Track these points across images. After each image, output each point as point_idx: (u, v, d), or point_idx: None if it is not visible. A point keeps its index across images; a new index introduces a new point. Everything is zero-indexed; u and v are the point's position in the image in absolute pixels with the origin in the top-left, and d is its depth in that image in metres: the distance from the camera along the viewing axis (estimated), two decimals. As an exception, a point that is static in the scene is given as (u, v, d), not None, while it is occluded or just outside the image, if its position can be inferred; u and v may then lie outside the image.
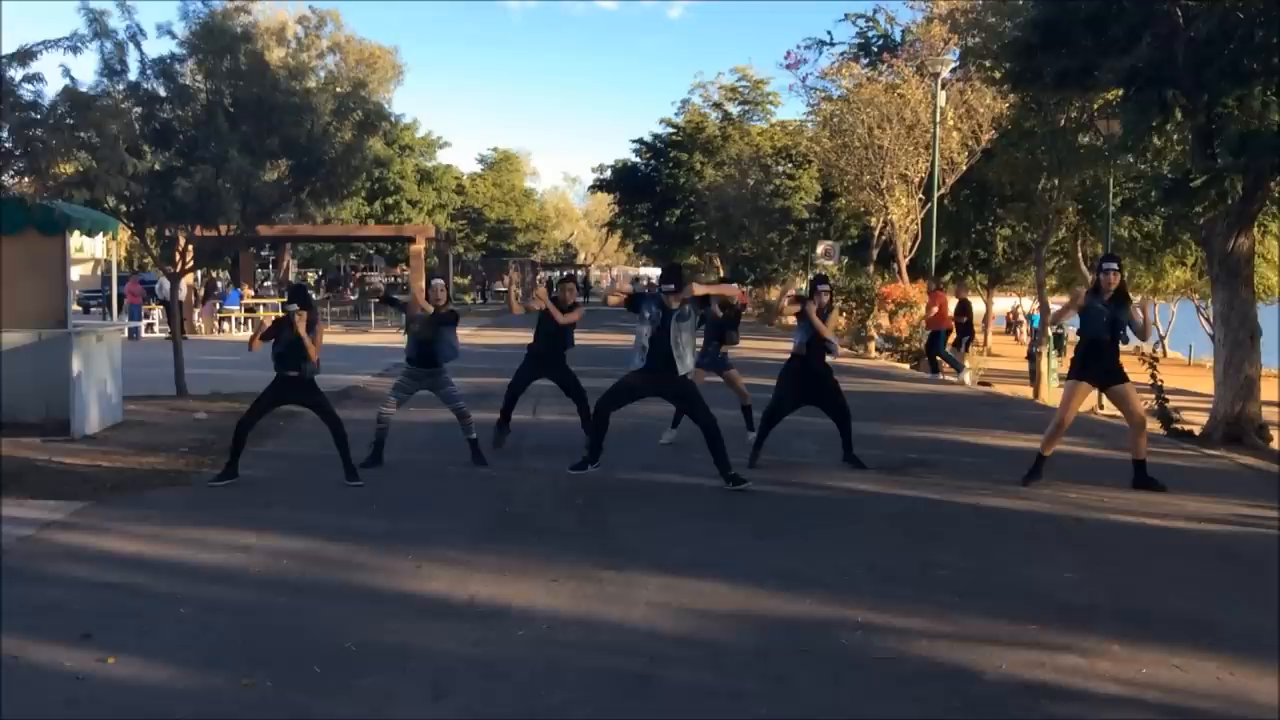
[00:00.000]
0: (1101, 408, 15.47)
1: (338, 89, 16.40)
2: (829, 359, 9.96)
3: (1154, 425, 14.12)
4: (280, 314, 9.16)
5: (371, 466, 9.45)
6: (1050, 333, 21.91)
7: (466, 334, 30.41)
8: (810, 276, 12.86)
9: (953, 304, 21.64)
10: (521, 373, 10.67)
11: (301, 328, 8.75)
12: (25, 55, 11.03)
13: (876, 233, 33.65)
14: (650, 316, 8.76)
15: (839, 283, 30.00)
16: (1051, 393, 19.15)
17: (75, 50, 11.92)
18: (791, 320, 10.48)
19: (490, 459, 10.00)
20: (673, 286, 8.75)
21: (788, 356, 10.08)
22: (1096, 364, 9.06)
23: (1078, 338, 9.34)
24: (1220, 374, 13.38)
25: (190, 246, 16.50)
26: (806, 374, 9.87)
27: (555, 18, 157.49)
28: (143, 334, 28.08)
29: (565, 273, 13.38)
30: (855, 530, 7.69)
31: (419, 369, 9.73)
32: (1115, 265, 9.12)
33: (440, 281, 10.03)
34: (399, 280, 49.79)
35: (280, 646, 5.16)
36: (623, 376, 9.04)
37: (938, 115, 27.10)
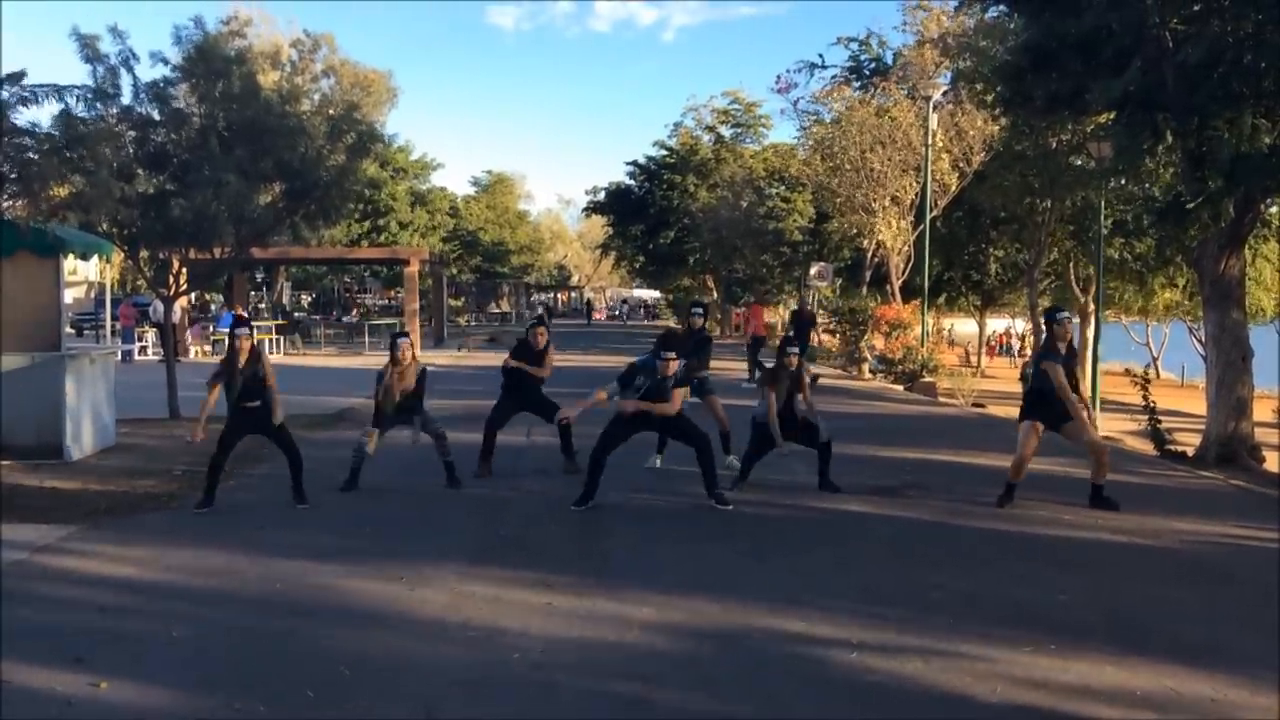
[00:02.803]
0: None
1: (331, 112, 16.44)
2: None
3: (1147, 447, 14.17)
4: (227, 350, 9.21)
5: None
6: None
7: (458, 355, 30.41)
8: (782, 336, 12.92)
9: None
10: (500, 409, 10.70)
11: (247, 348, 8.91)
12: (18, 78, 11.07)
13: (869, 254, 33.75)
14: (640, 383, 8.90)
15: (833, 304, 30.04)
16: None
17: (80, 100, 12.08)
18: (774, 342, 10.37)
19: (485, 481, 10.03)
20: (672, 354, 8.89)
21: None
22: (1046, 409, 9.15)
23: (1024, 383, 9.47)
24: (1213, 395, 13.42)
25: (184, 269, 16.51)
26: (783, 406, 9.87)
27: (549, 42, 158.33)
28: (136, 357, 28.04)
29: (535, 316, 13.21)
30: (848, 551, 7.68)
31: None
32: (1065, 314, 9.38)
33: (405, 340, 10.00)
34: (392, 303, 49.80)
35: (273, 669, 5.14)
36: (611, 422, 9.06)
37: (929, 138, 27.25)
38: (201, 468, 9.39)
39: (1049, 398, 9.09)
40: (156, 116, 14.34)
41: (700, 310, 11.81)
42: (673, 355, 8.90)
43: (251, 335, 9.22)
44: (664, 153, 52.50)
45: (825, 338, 35.35)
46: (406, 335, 10.26)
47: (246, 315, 9.89)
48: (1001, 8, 16.33)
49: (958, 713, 4.73)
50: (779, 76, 37.20)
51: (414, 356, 9.91)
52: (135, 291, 42.32)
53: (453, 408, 14.80)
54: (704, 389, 10.97)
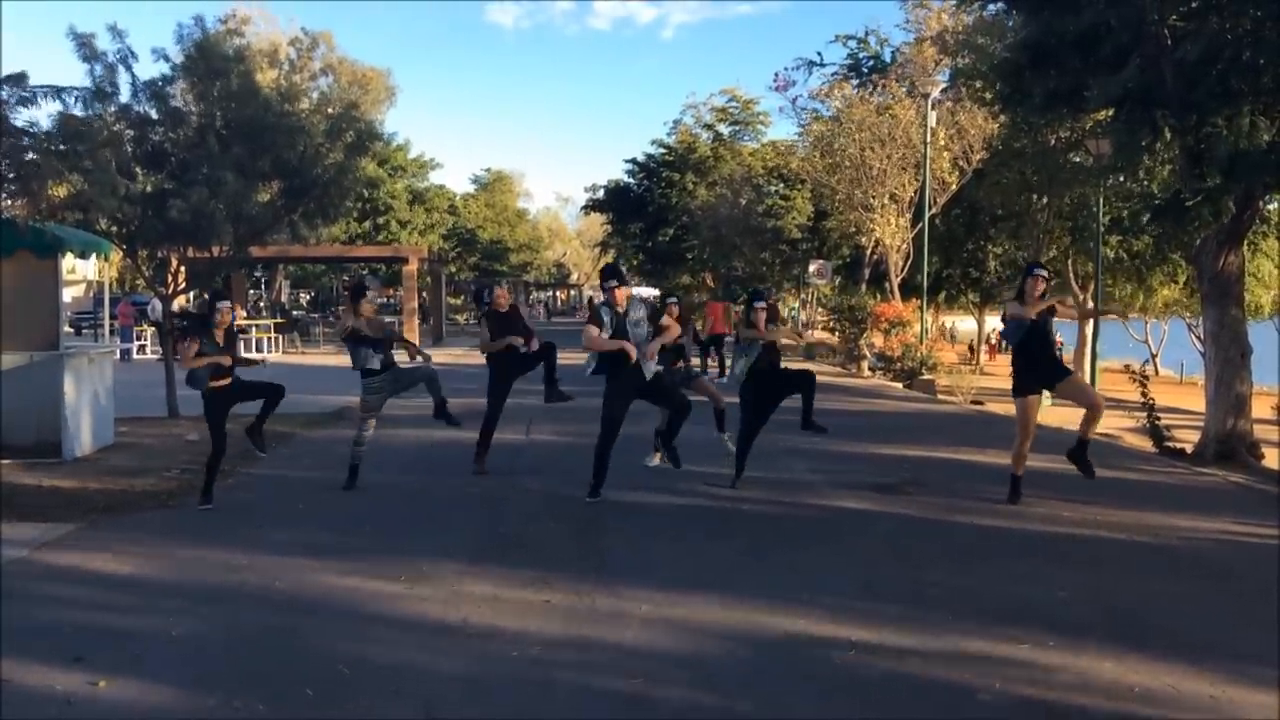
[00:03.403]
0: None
1: (330, 110, 16.44)
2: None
3: (1146, 443, 14.17)
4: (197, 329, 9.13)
5: (349, 489, 9.53)
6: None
7: (458, 354, 30.36)
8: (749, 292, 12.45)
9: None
10: (495, 394, 10.47)
11: (227, 321, 8.86)
12: (19, 79, 11.07)
13: (868, 252, 33.76)
14: (609, 322, 8.73)
15: (831, 302, 30.00)
16: (1044, 411, 19.17)
17: (78, 100, 12.07)
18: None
19: (483, 479, 10.04)
20: (615, 282, 8.78)
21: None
22: (1037, 371, 9.08)
23: (1013, 355, 9.38)
24: (1212, 392, 13.41)
25: (183, 268, 16.49)
26: (760, 386, 9.82)
27: (548, 40, 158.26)
28: (134, 355, 28.03)
29: (490, 282, 12.52)
30: (848, 549, 7.68)
31: (379, 377, 9.63)
32: (1044, 272, 9.21)
33: (371, 293, 9.97)
34: (391, 301, 49.79)
35: (272, 668, 5.14)
36: (604, 412, 8.91)
37: (928, 135, 27.25)
38: (203, 465, 9.40)
39: (1035, 355, 9.01)
40: (154, 115, 14.34)
41: (674, 299, 11.89)
42: (615, 283, 8.77)
43: (233, 311, 9.11)
44: (663, 150, 52.47)
45: (824, 335, 35.34)
46: (365, 289, 10.07)
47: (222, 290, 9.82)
48: (1000, 5, 16.32)
49: (957, 709, 4.73)
50: (777, 74, 37.15)
51: (375, 312, 9.87)
52: (134, 290, 42.29)
53: (450, 406, 14.79)
54: (689, 377, 10.90)
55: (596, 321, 8.79)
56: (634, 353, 8.61)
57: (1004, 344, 26.30)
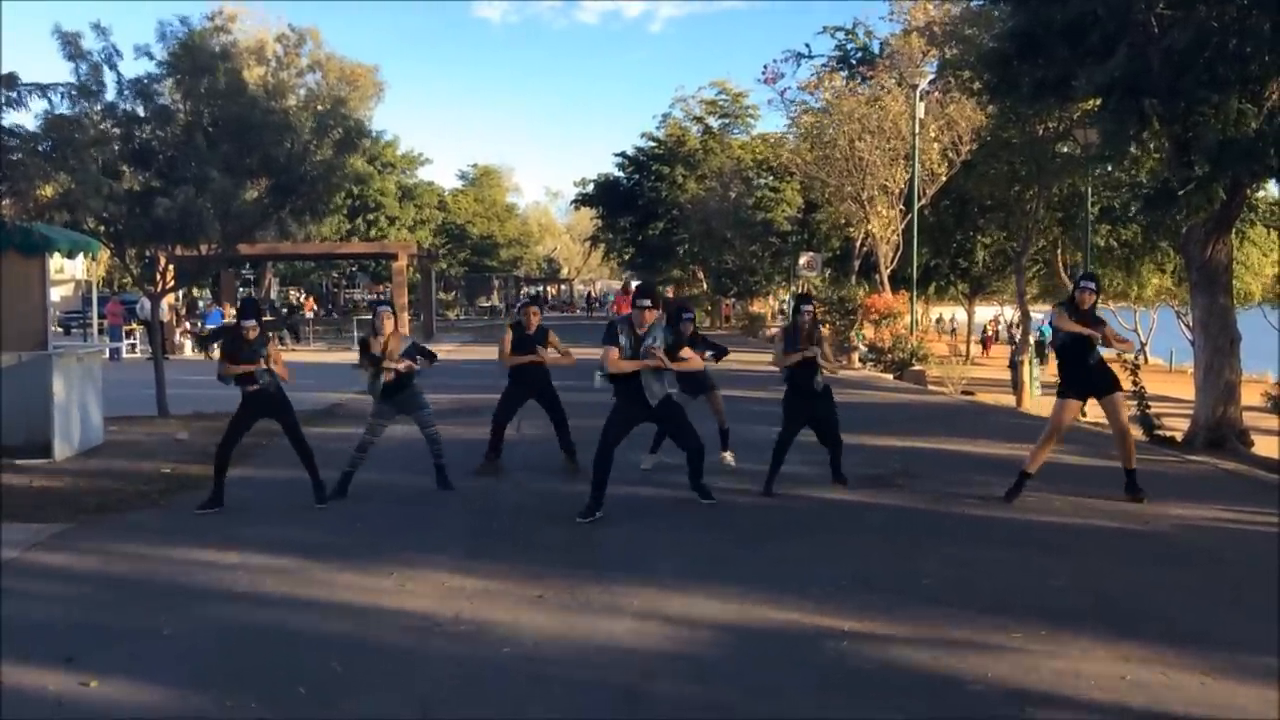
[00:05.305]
0: (1084, 415, 15.46)
1: (319, 107, 16.39)
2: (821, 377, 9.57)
3: (1136, 432, 14.19)
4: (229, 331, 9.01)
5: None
6: (1032, 341, 22.00)
7: (449, 350, 30.35)
8: (792, 296, 11.85)
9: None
10: (508, 399, 10.34)
11: (253, 335, 8.60)
12: (10, 81, 11.04)
13: (858, 244, 33.78)
14: (625, 344, 8.28)
15: (821, 294, 29.96)
16: (1034, 401, 19.25)
17: (64, 98, 12.01)
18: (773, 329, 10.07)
19: (475, 475, 10.01)
20: (648, 303, 8.32)
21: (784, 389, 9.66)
22: (1077, 377, 8.85)
23: (1057, 357, 9.26)
24: (1201, 380, 13.46)
25: (171, 266, 16.44)
26: (807, 400, 9.55)
27: (536, 33, 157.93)
28: (124, 355, 27.94)
29: (529, 295, 12.13)
30: (840, 540, 7.69)
31: (389, 398, 9.30)
32: (1093, 285, 8.93)
33: (386, 309, 9.39)
34: (380, 297, 49.69)
35: (264, 666, 5.13)
36: (606, 423, 8.50)
37: (917, 126, 27.27)
38: (193, 464, 9.36)
39: (1079, 363, 8.77)
40: (141, 113, 14.27)
41: (690, 315, 11.30)
42: (649, 304, 8.30)
43: (258, 325, 8.80)
44: (652, 144, 52.50)
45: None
46: (387, 304, 9.59)
47: (253, 298, 9.46)
48: (988, -5, 16.33)
49: (949, 698, 4.73)
50: (766, 67, 37.22)
51: (396, 328, 9.31)
52: (122, 289, 42.17)
53: (444, 403, 14.79)
54: (704, 385, 10.61)
55: (612, 341, 8.29)
56: (664, 362, 8.23)
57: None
